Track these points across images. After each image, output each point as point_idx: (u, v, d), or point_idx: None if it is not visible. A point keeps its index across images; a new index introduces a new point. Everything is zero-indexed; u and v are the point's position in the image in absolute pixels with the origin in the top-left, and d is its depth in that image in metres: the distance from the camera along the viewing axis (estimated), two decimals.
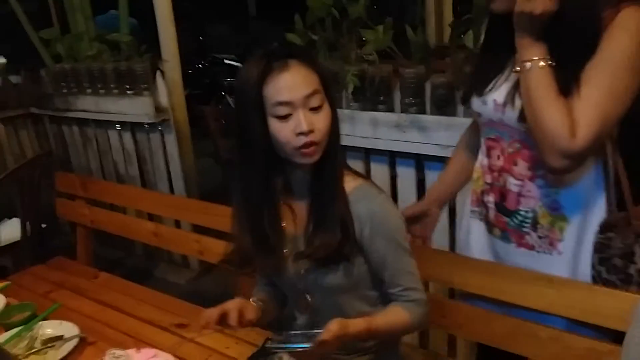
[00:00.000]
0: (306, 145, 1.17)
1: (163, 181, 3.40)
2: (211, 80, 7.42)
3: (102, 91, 3.41)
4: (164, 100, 3.15)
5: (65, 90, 3.62)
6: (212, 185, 4.10)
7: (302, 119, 1.16)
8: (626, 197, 1.24)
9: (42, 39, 3.60)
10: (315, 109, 1.18)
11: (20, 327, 1.51)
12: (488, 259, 1.45)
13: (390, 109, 2.22)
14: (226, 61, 7.68)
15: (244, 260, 1.36)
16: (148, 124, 3.27)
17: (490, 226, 1.44)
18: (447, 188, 1.65)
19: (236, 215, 1.34)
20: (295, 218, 1.32)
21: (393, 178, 2.32)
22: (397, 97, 2.20)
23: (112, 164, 3.60)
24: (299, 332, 1.28)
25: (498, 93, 1.31)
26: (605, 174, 1.26)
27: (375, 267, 1.29)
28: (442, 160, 2.00)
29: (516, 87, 1.25)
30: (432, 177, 2.16)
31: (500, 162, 1.37)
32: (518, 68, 1.19)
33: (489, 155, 1.41)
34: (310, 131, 1.16)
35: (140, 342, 1.55)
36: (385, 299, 1.37)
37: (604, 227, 1.26)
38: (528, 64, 1.16)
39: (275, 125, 1.18)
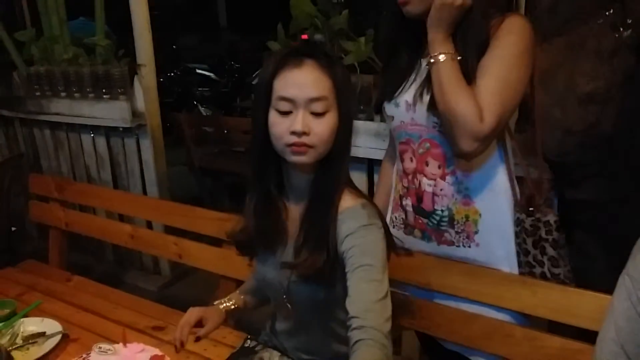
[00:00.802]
0: (297, 144, 1.16)
1: (136, 186, 3.37)
2: (183, 89, 7.40)
3: (77, 95, 3.37)
4: (140, 105, 3.14)
5: (38, 93, 3.57)
6: (184, 193, 4.08)
7: (299, 119, 1.15)
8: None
9: (15, 40, 3.55)
10: (317, 114, 1.16)
11: (0, 324, 1.49)
12: None
13: (370, 118, 2.28)
14: (198, 71, 7.68)
15: (244, 240, 1.37)
16: (123, 128, 3.25)
17: (410, 229, 1.53)
18: (383, 208, 1.64)
19: (247, 199, 1.34)
20: (290, 221, 1.31)
21: (371, 186, 2.37)
22: None
23: (84, 168, 3.55)
24: None
25: (408, 94, 1.43)
26: (505, 157, 1.42)
27: (348, 290, 1.15)
28: None
29: (424, 85, 1.38)
30: None
31: (413, 165, 1.47)
32: (432, 60, 1.30)
33: (402, 159, 1.50)
34: (304, 133, 1.15)
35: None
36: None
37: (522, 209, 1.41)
38: (442, 57, 1.29)
39: (274, 119, 1.18)
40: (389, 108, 1.49)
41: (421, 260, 1.52)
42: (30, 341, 1.43)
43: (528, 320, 1.44)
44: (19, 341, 1.43)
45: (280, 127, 1.17)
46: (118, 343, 1.25)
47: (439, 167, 1.41)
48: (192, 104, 7.10)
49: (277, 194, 1.31)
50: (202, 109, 7.00)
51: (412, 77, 1.44)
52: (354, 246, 1.16)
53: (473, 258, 1.45)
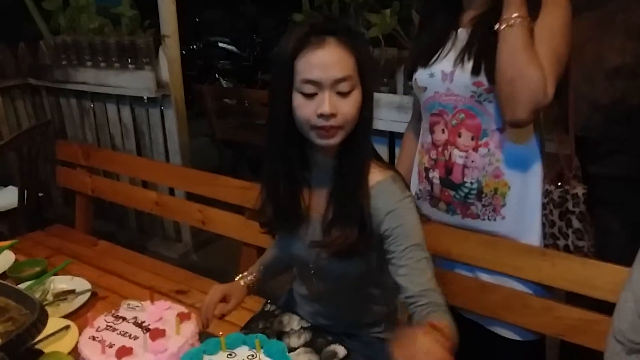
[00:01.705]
0: (325, 128, 1.14)
1: (160, 156, 3.42)
2: (205, 62, 7.42)
3: (103, 64, 3.42)
4: (165, 75, 3.17)
5: (64, 62, 3.62)
6: (205, 165, 4.12)
7: (326, 101, 1.12)
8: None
9: (42, 10, 3.59)
10: (343, 94, 1.13)
11: (31, 281, 1.54)
12: None
13: (393, 91, 2.28)
14: (220, 44, 7.68)
15: (264, 222, 1.38)
16: (148, 98, 3.29)
17: (435, 201, 1.53)
18: (406, 175, 1.63)
19: (264, 180, 1.33)
20: (314, 201, 1.31)
21: (392, 159, 2.38)
22: (400, 79, 2.26)
23: (108, 137, 3.61)
24: None
25: (444, 63, 1.42)
26: (538, 130, 1.43)
27: (391, 267, 1.19)
28: None
29: (465, 52, 1.37)
30: None
31: (444, 136, 1.46)
32: (511, 23, 1.26)
33: (432, 131, 1.50)
34: (332, 115, 1.12)
35: None
36: (388, 299, 1.41)
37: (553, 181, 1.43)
38: (518, 19, 1.26)
39: (298, 101, 1.15)
40: (421, 78, 1.48)
41: (441, 230, 1.53)
42: (60, 298, 1.48)
43: (546, 292, 1.46)
44: (49, 298, 1.48)
45: (306, 109, 1.14)
46: (145, 301, 1.29)
47: (472, 139, 1.41)
48: (213, 77, 7.12)
49: (300, 175, 1.29)
50: (223, 82, 7.02)
51: (448, 46, 1.43)
52: (398, 226, 1.17)
53: (497, 231, 1.46)
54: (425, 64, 1.46)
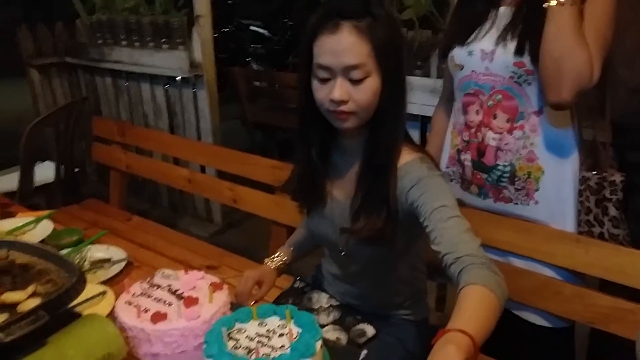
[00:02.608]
0: (337, 112, 1.16)
1: (192, 137, 3.46)
2: (236, 45, 7.44)
3: (137, 44, 3.46)
4: (198, 56, 3.19)
5: (100, 41, 3.68)
6: (236, 147, 4.14)
7: (337, 87, 1.12)
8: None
9: None
10: (355, 81, 1.12)
11: (69, 249, 1.59)
12: None
13: (427, 74, 2.26)
14: (252, 28, 7.68)
15: (293, 197, 1.40)
16: (181, 78, 3.32)
17: (466, 184, 1.51)
18: (435, 156, 1.62)
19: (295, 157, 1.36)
20: (341, 183, 1.32)
21: (423, 144, 2.37)
22: (434, 62, 2.24)
23: (142, 116, 3.67)
24: None
25: (485, 42, 1.39)
26: (575, 116, 1.41)
27: (430, 240, 1.12)
28: None
29: (507, 31, 1.34)
30: None
31: (479, 117, 1.43)
32: (554, 2, 1.23)
33: (466, 112, 1.47)
34: (343, 101, 1.13)
35: None
36: (417, 281, 1.41)
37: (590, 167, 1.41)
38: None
39: (315, 85, 1.17)
40: (458, 56, 1.46)
41: (472, 214, 1.51)
42: (97, 266, 1.53)
43: (578, 279, 1.44)
44: (86, 265, 1.53)
45: (321, 93, 1.16)
46: (180, 270, 1.32)
47: (508, 121, 1.39)
48: (245, 61, 7.14)
49: (320, 158, 1.30)
50: (254, 66, 7.04)
51: (487, 24, 1.41)
52: (422, 194, 1.14)
53: (529, 216, 1.44)
54: (463, 42, 1.44)
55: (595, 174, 1.39)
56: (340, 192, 1.32)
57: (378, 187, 1.20)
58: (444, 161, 1.61)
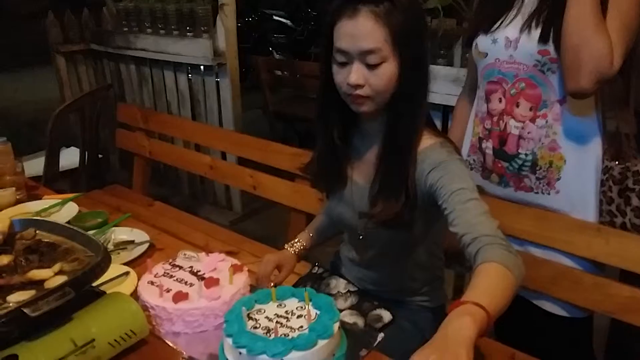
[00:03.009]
0: (353, 96, 1.18)
1: (214, 124, 3.49)
2: (259, 35, 7.45)
3: (162, 31, 3.49)
4: (222, 44, 3.21)
5: (125, 29, 3.72)
6: (257, 136, 4.17)
7: (353, 72, 1.15)
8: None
9: None
10: (371, 66, 1.14)
11: (93, 231, 1.62)
12: None
13: (450, 64, 2.25)
14: (275, 17, 7.68)
15: (314, 179, 1.43)
16: (204, 67, 3.35)
17: (487, 173, 1.51)
18: (457, 144, 1.61)
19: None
20: (361, 166, 1.34)
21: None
22: (457, 52, 2.22)
23: (165, 104, 3.70)
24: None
25: (509, 29, 1.38)
26: (599, 105, 1.39)
27: (448, 223, 1.12)
28: None
29: (532, 18, 1.33)
30: None
31: (501, 106, 1.43)
32: None
33: (488, 100, 1.47)
34: (359, 85, 1.15)
35: None
36: (434, 267, 1.41)
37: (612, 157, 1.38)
38: None
39: (334, 68, 1.20)
40: (483, 44, 1.45)
41: (492, 203, 1.50)
42: (120, 247, 1.56)
43: (597, 269, 1.43)
44: (110, 247, 1.56)
45: (339, 77, 1.19)
46: (201, 252, 1.34)
47: (531, 109, 1.38)
48: (267, 50, 7.16)
49: (340, 141, 1.32)
50: (277, 56, 7.05)
51: (513, 12, 1.40)
52: (441, 177, 1.15)
53: (550, 206, 1.44)
54: (488, 29, 1.43)
55: (618, 164, 1.38)
56: (360, 176, 1.33)
57: (397, 172, 1.21)
58: (465, 150, 1.60)
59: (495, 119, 1.45)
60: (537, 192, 1.44)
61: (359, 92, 1.16)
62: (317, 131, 1.34)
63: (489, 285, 0.95)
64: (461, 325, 0.85)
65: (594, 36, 1.21)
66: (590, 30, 1.21)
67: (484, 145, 1.50)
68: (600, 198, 1.41)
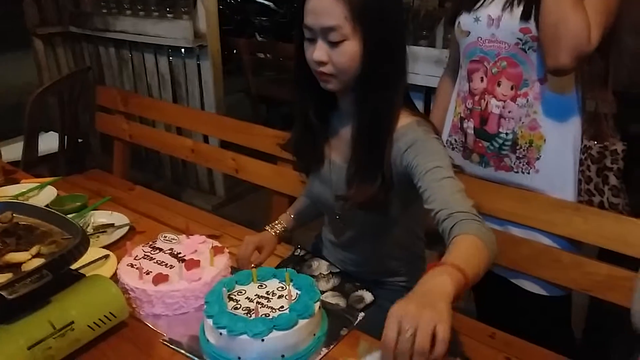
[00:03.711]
0: (319, 73, 1.18)
1: (195, 107, 3.46)
2: (242, 17, 7.38)
3: (142, 13, 3.44)
4: (202, 26, 3.18)
5: (104, 11, 3.66)
6: (241, 119, 4.15)
7: (317, 49, 1.15)
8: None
9: None
10: (333, 44, 1.13)
11: (72, 215, 1.60)
12: None
13: (432, 45, 2.24)
14: None
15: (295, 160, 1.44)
16: (185, 49, 3.31)
17: (468, 152, 1.52)
18: (439, 126, 1.63)
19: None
20: (336, 145, 1.34)
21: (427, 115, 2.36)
22: (439, 32, 2.22)
23: (146, 87, 3.66)
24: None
25: (492, 8, 1.39)
26: (578, 86, 1.41)
27: (423, 202, 1.13)
28: None
29: None
30: None
31: (482, 85, 1.44)
32: None
33: (470, 79, 1.47)
34: (322, 62, 1.15)
35: None
36: (413, 247, 1.42)
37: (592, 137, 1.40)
38: None
39: (305, 45, 1.19)
40: (465, 22, 1.45)
41: (472, 183, 1.52)
42: (100, 230, 1.54)
43: (575, 248, 1.45)
44: (89, 230, 1.54)
45: (307, 53, 1.18)
46: (181, 235, 1.33)
47: (512, 89, 1.39)
48: (250, 33, 7.09)
49: (317, 119, 1.32)
50: (259, 38, 6.99)
51: None
52: (417, 155, 1.15)
53: (530, 185, 1.45)
54: (471, 8, 1.43)
55: (596, 144, 1.39)
56: (338, 155, 1.33)
57: (372, 153, 1.21)
58: (446, 130, 1.61)
59: (476, 98, 1.46)
60: (517, 172, 1.45)
61: (322, 69, 1.16)
62: (294, 109, 1.35)
63: (466, 253, 0.95)
64: (441, 282, 0.86)
65: (572, 13, 1.21)
66: (568, 7, 1.22)
67: (465, 124, 1.50)
68: (579, 177, 1.43)
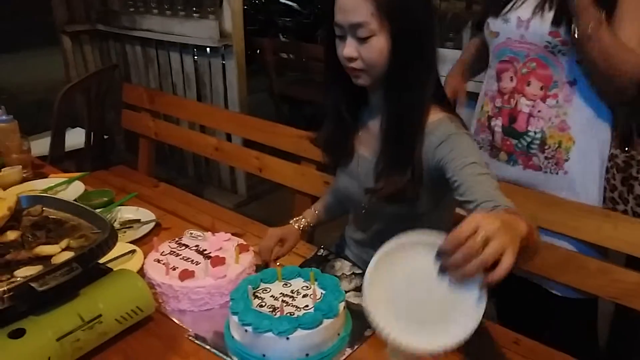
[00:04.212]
0: (349, 69, 1.20)
1: (219, 106, 3.48)
2: (266, 18, 7.41)
3: (168, 12, 3.47)
4: (228, 25, 3.20)
5: (132, 9, 3.70)
6: (264, 119, 4.16)
7: (346, 45, 1.16)
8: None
9: None
10: (361, 39, 1.15)
11: (100, 210, 1.62)
12: None
13: (459, 47, 2.23)
14: (282, 0, 7.63)
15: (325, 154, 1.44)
16: (210, 48, 3.33)
17: (495, 151, 1.51)
18: (469, 60, 1.77)
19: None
20: (366, 139, 1.34)
21: None
22: (466, 34, 2.21)
23: (171, 86, 3.70)
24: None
25: (522, 10, 1.39)
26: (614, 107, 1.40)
27: (456, 196, 1.12)
28: None
29: (545, 1, 1.34)
30: None
31: (512, 84, 1.44)
32: (589, 32, 1.22)
33: (499, 79, 1.47)
34: (352, 58, 1.17)
35: None
36: None
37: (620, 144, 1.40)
38: (592, 24, 1.22)
39: (336, 41, 1.21)
40: (495, 24, 1.46)
41: (500, 186, 1.51)
42: (126, 226, 1.56)
43: (601, 256, 1.43)
44: (116, 225, 1.56)
45: (338, 50, 1.20)
46: (207, 232, 1.34)
47: (541, 89, 1.39)
48: (273, 33, 7.12)
49: (348, 114, 1.33)
50: (283, 39, 7.01)
51: None
52: (451, 150, 1.14)
53: (558, 186, 1.43)
54: (499, 12, 1.44)
55: (623, 152, 1.38)
56: (367, 150, 1.34)
57: (401, 146, 1.21)
58: (472, 130, 1.60)
59: (506, 97, 1.46)
60: (545, 172, 1.44)
61: (352, 65, 1.18)
62: (326, 105, 1.35)
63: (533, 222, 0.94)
64: (517, 223, 0.86)
65: (620, 61, 1.25)
66: (616, 60, 1.25)
67: (493, 123, 1.50)
68: (604, 185, 1.41)
